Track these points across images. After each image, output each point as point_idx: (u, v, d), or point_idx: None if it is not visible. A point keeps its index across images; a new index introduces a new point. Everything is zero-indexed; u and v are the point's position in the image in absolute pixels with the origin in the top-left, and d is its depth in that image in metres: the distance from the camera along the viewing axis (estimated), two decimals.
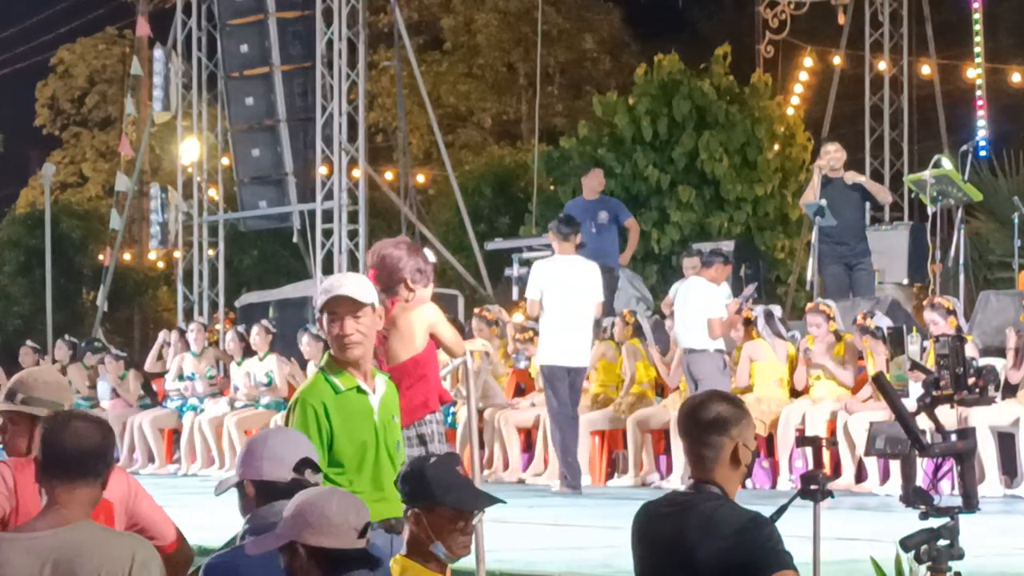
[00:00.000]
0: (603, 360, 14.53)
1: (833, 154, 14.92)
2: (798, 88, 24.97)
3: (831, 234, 14.74)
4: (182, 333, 17.88)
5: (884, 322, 12.61)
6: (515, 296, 17.14)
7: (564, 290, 12.74)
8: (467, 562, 5.27)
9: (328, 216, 19.83)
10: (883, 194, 15.87)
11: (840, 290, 14.87)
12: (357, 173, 20.20)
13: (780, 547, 4.54)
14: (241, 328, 17.47)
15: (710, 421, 4.70)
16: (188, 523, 5.54)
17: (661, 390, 14.47)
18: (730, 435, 4.68)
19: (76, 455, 4.50)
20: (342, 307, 5.55)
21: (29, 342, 20.06)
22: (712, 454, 4.69)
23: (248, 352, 16.84)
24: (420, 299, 6.98)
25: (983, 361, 10.18)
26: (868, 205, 15.65)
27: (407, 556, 4.78)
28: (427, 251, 7.23)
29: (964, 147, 15.07)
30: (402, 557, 4.79)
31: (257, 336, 16.61)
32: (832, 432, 12.35)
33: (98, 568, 4.38)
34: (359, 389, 5.57)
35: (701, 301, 13.16)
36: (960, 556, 4.85)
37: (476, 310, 15.77)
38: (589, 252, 16.75)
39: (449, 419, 14.02)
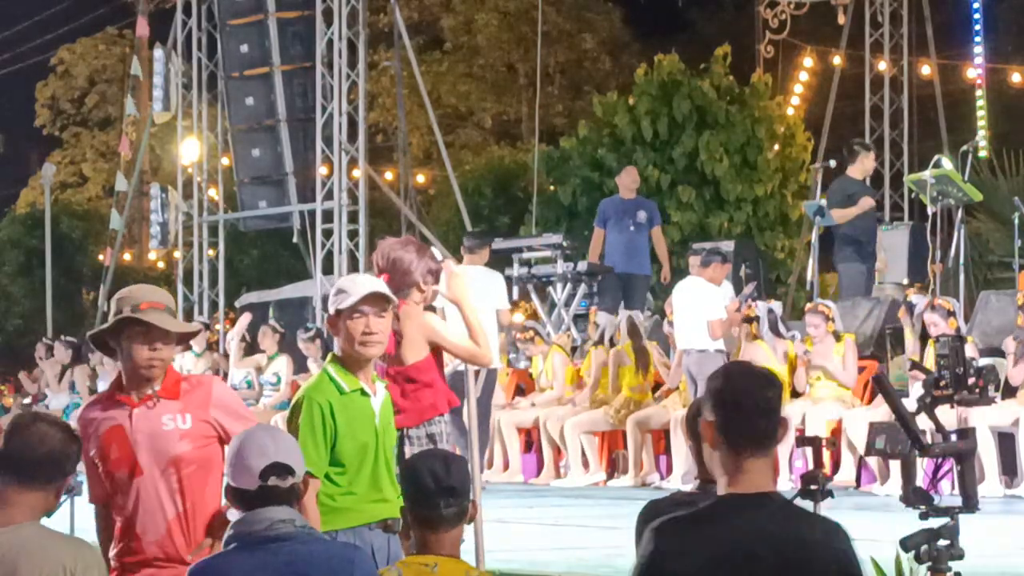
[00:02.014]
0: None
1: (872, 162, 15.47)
2: (798, 88, 24.97)
3: (851, 233, 14.81)
4: None
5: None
6: (515, 296, 17.13)
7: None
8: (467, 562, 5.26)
9: (328, 216, 19.82)
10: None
11: (857, 288, 14.89)
12: (357, 173, 20.19)
13: None
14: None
15: None
16: None
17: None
18: None
19: (34, 459, 4.47)
20: (372, 304, 5.53)
21: (45, 339, 20.08)
22: None
23: (249, 351, 16.84)
24: (429, 300, 7.03)
25: (983, 361, 10.17)
26: None
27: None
28: (434, 249, 7.25)
29: (964, 147, 15.08)
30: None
31: (265, 336, 16.62)
32: (832, 432, 12.35)
33: (39, 570, 4.36)
34: (362, 391, 5.57)
35: (699, 301, 13.16)
36: (960, 556, 4.84)
37: None
38: (623, 249, 16.80)
39: None
